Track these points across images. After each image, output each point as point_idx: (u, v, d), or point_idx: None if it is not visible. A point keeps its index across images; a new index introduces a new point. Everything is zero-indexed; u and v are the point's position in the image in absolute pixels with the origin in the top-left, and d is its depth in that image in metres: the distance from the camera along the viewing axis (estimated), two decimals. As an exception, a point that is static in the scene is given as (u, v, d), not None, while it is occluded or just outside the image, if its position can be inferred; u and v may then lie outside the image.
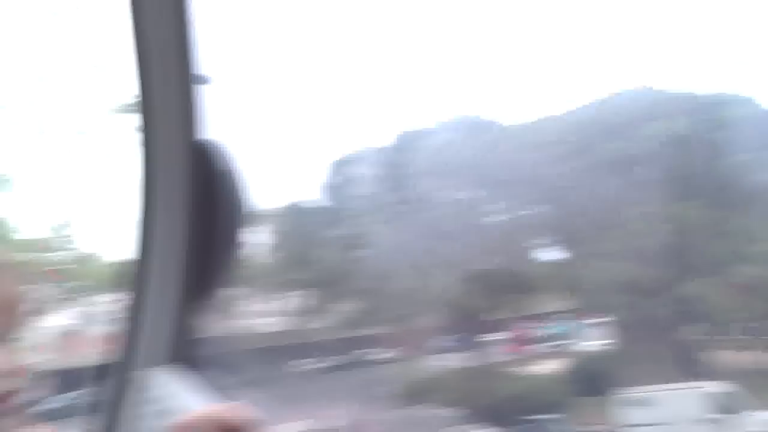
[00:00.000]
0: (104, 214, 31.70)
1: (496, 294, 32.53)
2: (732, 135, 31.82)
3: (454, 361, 35.16)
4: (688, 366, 32.83)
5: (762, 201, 31.74)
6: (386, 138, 40.16)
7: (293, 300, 37.48)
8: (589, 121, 32.58)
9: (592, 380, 31.22)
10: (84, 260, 31.38)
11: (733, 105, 33.01)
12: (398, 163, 36.04)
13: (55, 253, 29.65)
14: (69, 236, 31.46)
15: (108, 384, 1.64)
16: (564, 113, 35.06)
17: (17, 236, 24.23)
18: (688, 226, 30.09)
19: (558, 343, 45.68)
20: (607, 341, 38.06)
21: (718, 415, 23.38)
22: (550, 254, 35.26)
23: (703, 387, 24.71)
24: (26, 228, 30.81)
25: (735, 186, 31.41)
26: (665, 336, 32.37)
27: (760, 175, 31.41)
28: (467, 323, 34.53)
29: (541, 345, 46.17)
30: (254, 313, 34.93)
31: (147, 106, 1.66)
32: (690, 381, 26.97)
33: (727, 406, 23.60)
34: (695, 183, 30.86)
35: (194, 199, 1.63)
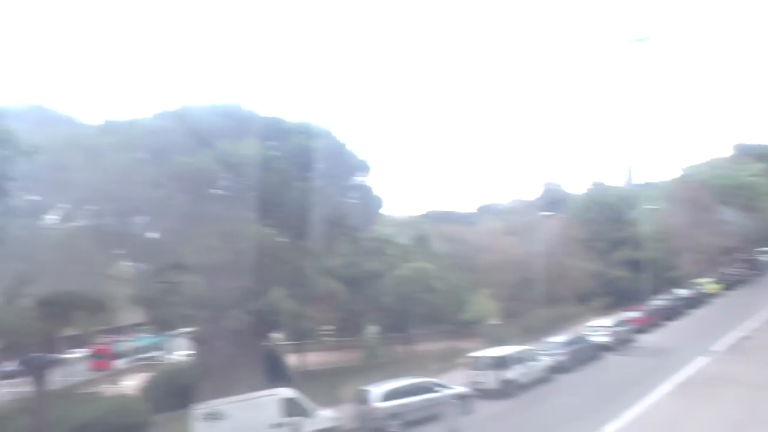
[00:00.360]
0: None
1: (68, 310, 29.43)
2: (311, 162, 33.26)
3: (21, 388, 31.10)
4: (269, 372, 33.68)
5: (329, 222, 33.72)
6: None
7: None
8: (167, 130, 30.94)
9: (173, 395, 30.52)
10: None
11: (314, 134, 34.50)
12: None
13: None
14: None
15: None
16: (141, 118, 32.95)
17: None
18: (265, 243, 30.54)
19: (142, 356, 44.13)
20: (190, 353, 37.53)
21: (288, 419, 24.38)
22: (126, 266, 33.51)
23: (276, 394, 25.22)
24: None
25: (310, 207, 32.72)
26: (249, 345, 32.70)
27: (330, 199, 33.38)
28: (37, 343, 30.73)
29: (124, 360, 44.21)
30: None
31: None
32: (269, 388, 27.40)
33: (297, 409, 24.50)
34: (273, 203, 31.52)
35: None
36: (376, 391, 26.05)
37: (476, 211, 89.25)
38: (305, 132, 34.33)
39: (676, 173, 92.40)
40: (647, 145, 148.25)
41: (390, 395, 25.85)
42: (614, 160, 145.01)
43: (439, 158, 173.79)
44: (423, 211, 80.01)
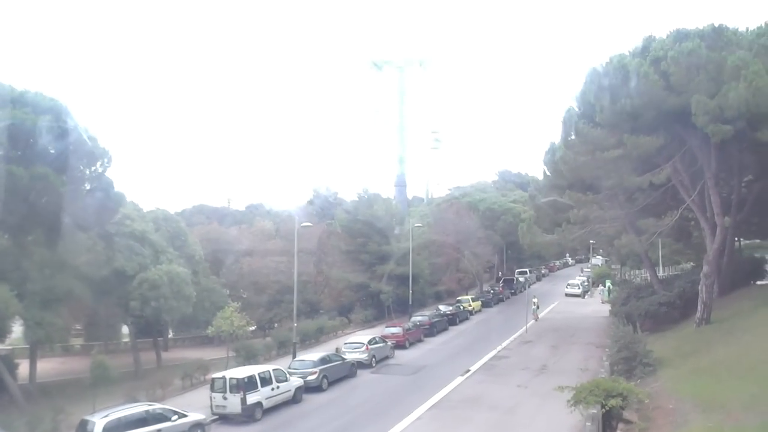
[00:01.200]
0: None
1: None
2: (38, 143, 28.89)
3: None
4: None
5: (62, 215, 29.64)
6: None
7: None
8: None
9: None
10: None
11: (41, 110, 29.87)
12: None
13: None
14: None
15: None
16: None
17: None
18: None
19: None
20: None
21: None
22: None
23: None
24: None
25: (38, 197, 28.49)
26: None
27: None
28: None
29: None
30: None
31: None
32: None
33: None
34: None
35: None
36: (100, 422, 21.90)
37: (245, 209, 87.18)
38: (29, 105, 29.39)
39: (444, 192, 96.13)
40: (418, 163, 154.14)
41: (114, 427, 21.96)
42: (385, 173, 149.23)
43: (208, 153, 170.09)
44: (188, 206, 76.46)
